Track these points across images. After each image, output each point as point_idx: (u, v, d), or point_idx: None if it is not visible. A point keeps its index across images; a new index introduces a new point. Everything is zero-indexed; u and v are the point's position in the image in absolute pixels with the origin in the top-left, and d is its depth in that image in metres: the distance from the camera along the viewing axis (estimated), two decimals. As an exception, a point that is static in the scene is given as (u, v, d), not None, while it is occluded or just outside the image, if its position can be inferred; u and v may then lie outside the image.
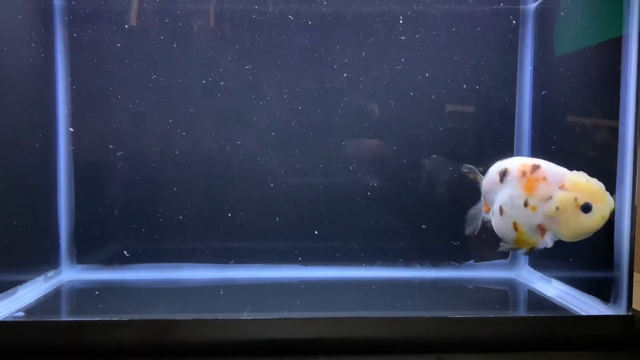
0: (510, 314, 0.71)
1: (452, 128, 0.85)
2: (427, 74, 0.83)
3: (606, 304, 0.64)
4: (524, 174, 0.61)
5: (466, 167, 0.70)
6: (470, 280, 0.83)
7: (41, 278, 0.77)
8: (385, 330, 0.61)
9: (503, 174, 0.63)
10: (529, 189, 0.60)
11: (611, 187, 0.60)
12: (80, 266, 0.83)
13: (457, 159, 0.83)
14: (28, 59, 0.75)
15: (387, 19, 0.82)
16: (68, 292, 0.77)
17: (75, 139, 0.82)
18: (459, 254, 0.85)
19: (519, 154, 0.84)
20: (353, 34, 0.82)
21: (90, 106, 0.82)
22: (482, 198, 0.69)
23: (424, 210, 0.85)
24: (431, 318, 0.61)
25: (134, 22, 0.81)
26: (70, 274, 0.82)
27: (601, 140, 0.68)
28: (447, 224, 0.84)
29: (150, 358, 0.59)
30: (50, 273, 0.79)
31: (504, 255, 0.85)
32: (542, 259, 0.82)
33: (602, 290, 0.65)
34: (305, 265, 0.84)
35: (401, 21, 0.82)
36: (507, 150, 0.84)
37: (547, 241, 0.60)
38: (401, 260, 0.85)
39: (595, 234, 0.58)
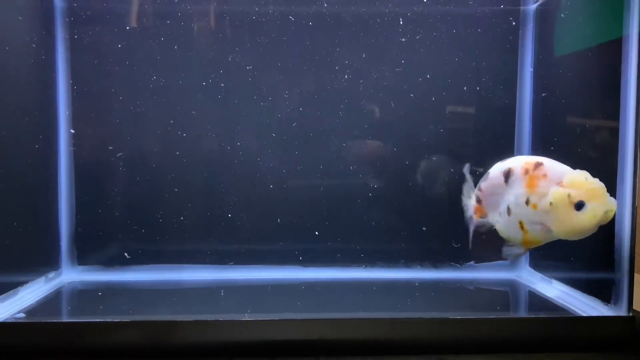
0: (511, 314, 0.71)
1: (452, 129, 0.85)
2: (427, 75, 0.83)
3: (607, 305, 0.64)
4: (526, 171, 0.59)
5: (468, 176, 0.70)
6: (471, 281, 0.83)
7: (42, 279, 0.77)
8: (386, 331, 0.61)
9: (507, 175, 0.62)
10: (530, 186, 0.59)
11: (612, 188, 0.59)
12: (80, 267, 0.83)
13: (457, 160, 0.83)
14: (29, 60, 0.75)
15: (388, 20, 0.82)
16: (69, 293, 0.77)
17: (76, 140, 0.82)
18: (460, 255, 0.85)
19: (520, 154, 0.84)
20: (354, 35, 0.82)
21: (91, 107, 0.82)
22: (473, 203, 0.68)
23: (424, 211, 0.85)
24: (432, 319, 0.61)
25: (134, 24, 0.82)
26: (70, 275, 0.82)
27: (601, 141, 0.68)
28: (448, 224, 0.84)
29: (151, 359, 0.59)
30: (51, 274, 0.79)
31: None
32: (543, 260, 0.82)
33: (602, 291, 0.65)
34: (306, 266, 0.84)
35: (402, 22, 0.82)
36: (507, 151, 0.84)
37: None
38: (402, 261, 0.85)
39: (594, 234, 0.57)
